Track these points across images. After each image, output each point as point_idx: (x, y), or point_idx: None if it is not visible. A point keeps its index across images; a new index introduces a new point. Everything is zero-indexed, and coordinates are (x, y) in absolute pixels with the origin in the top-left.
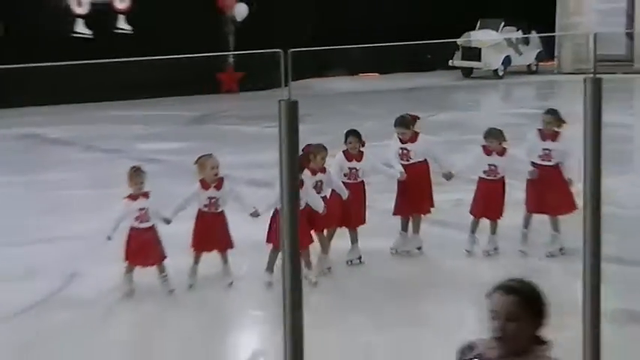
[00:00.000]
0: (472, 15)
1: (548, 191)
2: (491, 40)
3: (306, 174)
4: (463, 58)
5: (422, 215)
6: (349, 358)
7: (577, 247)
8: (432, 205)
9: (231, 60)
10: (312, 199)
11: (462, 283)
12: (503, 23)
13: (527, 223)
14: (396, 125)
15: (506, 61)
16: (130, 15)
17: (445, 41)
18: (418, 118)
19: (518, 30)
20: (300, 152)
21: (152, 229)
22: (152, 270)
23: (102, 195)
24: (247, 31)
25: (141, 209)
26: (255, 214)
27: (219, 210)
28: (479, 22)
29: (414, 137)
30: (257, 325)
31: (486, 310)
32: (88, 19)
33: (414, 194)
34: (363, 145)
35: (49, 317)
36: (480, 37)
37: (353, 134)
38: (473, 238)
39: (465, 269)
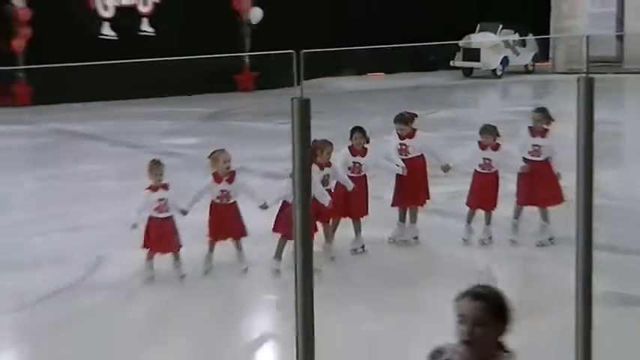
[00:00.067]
0: (472, 18)
1: (538, 184)
2: (490, 42)
3: (314, 169)
4: (464, 59)
5: (418, 207)
6: (354, 342)
7: (565, 237)
8: (428, 198)
9: (246, 60)
10: (318, 193)
11: (459, 270)
12: (501, 26)
13: (517, 214)
14: (395, 122)
15: (504, 61)
16: (152, 18)
17: (447, 43)
18: (416, 116)
19: (515, 32)
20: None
21: (170, 219)
22: (170, 257)
23: (126, 186)
24: (262, 33)
25: (160, 200)
26: (264, 207)
27: (231, 201)
28: (478, 25)
29: (412, 133)
30: (268, 309)
31: (455, 315)
32: (113, 22)
33: (412, 187)
34: (367, 142)
35: (77, 301)
36: (480, 39)
37: (358, 131)
38: (469, 228)
39: (462, 257)
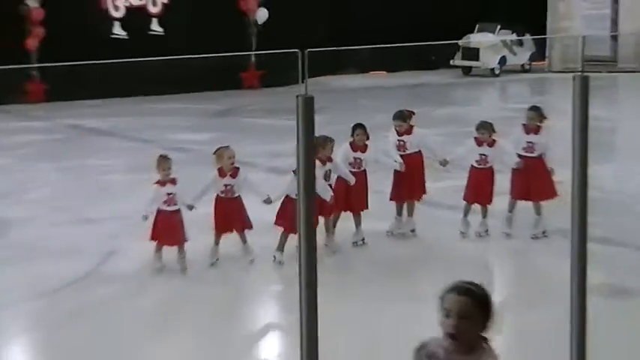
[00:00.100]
0: (471, 19)
1: (532, 180)
2: (488, 42)
3: (316, 164)
4: (463, 58)
5: (415, 201)
6: (355, 330)
7: (559, 229)
8: (425, 192)
9: (253, 59)
10: (321, 188)
11: (457, 262)
12: (499, 27)
13: (511, 208)
14: (394, 119)
15: (502, 60)
16: (161, 18)
17: (447, 42)
18: (414, 113)
19: (513, 33)
20: None
21: (178, 212)
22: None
23: (137, 180)
24: (268, 33)
25: (169, 194)
26: (267, 201)
27: (235, 195)
28: (477, 26)
29: (409, 130)
30: (273, 299)
31: (440, 310)
32: (124, 22)
33: (409, 182)
34: (367, 138)
35: (90, 291)
36: (479, 39)
37: (360, 127)
38: (466, 222)
39: (459, 249)
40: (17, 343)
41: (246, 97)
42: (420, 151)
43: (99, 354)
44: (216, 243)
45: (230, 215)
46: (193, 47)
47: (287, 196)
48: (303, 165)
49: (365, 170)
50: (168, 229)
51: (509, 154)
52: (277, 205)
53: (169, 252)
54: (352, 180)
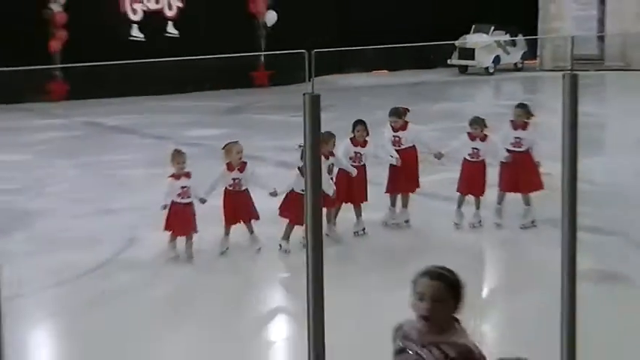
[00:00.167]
0: (467, 21)
1: (520, 173)
2: (483, 42)
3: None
4: (459, 58)
5: (409, 194)
6: (358, 314)
7: (546, 219)
8: (418, 186)
9: (262, 59)
10: (324, 182)
11: (451, 251)
12: (493, 28)
13: (500, 200)
14: (390, 115)
15: (496, 60)
16: (177, 21)
17: (444, 43)
18: (408, 110)
19: (506, 33)
20: None
21: (191, 205)
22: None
23: (153, 174)
24: (276, 34)
25: (183, 187)
26: (273, 194)
27: (243, 188)
28: (473, 27)
29: (404, 126)
30: (280, 285)
31: (413, 293)
32: (141, 24)
33: (404, 175)
34: (367, 134)
35: (109, 279)
36: (474, 39)
37: (360, 124)
38: (459, 213)
39: (454, 239)
40: (41, 327)
41: (256, 95)
42: (414, 146)
43: (118, 338)
44: (226, 233)
45: (238, 207)
46: (206, 48)
47: (292, 191)
48: (309, 158)
49: (364, 165)
50: (181, 220)
51: (500, 148)
52: (281, 197)
53: (183, 242)
54: (354, 172)
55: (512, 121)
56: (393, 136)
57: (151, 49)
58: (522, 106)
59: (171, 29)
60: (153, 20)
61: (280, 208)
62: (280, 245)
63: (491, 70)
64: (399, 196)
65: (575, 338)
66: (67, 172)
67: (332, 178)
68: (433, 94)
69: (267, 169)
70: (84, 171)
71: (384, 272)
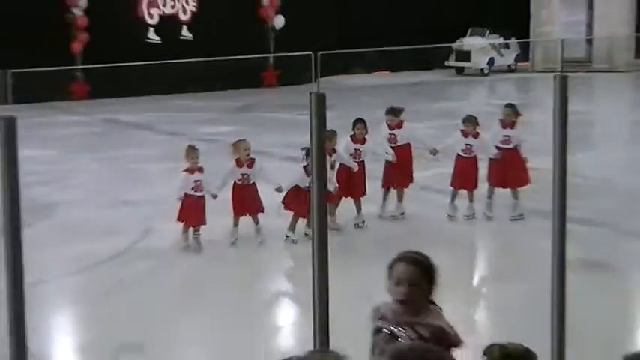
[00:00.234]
0: (463, 25)
1: (508, 169)
2: (478, 45)
3: None
4: (456, 59)
5: (404, 188)
6: (359, 300)
7: (533, 211)
8: (412, 181)
9: (271, 61)
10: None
11: (445, 241)
12: (488, 31)
13: (490, 194)
14: (386, 114)
15: (491, 61)
16: (191, 25)
17: (442, 45)
18: (404, 110)
19: (500, 37)
20: None
21: (203, 198)
22: (204, 229)
23: (168, 168)
24: (284, 37)
25: (196, 181)
26: (279, 190)
27: (251, 183)
28: (469, 31)
29: (400, 124)
30: (286, 272)
31: (389, 278)
32: (157, 28)
33: (399, 171)
34: (367, 132)
35: (126, 267)
36: (470, 42)
37: (360, 122)
38: (453, 206)
39: (449, 230)
40: (62, 313)
41: (265, 94)
42: (409, 143)
43: (134, 322)
44: (235, 225)
45: (245, 200)
46: (219, 50)
47: (296, 186)
48: (315, 152)
49: (363, 161)
50: (194, 212)
51: (490, 145)
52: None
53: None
54: (356, 167)
55: (501, 120)
56: (389, 133)
57: (167, 51)
58: (510, 106)
59: (186, 32)
60: (168, 24)
61: (285, 201)
62: (287, 236)
63: (486, 71)
64: (395, 191)
65: (564, 325)
66: (88, 166)
67: (333, 175)
68: (431, 94)
69: (275, 163)
70: (103, 165)
71: (383, 261)
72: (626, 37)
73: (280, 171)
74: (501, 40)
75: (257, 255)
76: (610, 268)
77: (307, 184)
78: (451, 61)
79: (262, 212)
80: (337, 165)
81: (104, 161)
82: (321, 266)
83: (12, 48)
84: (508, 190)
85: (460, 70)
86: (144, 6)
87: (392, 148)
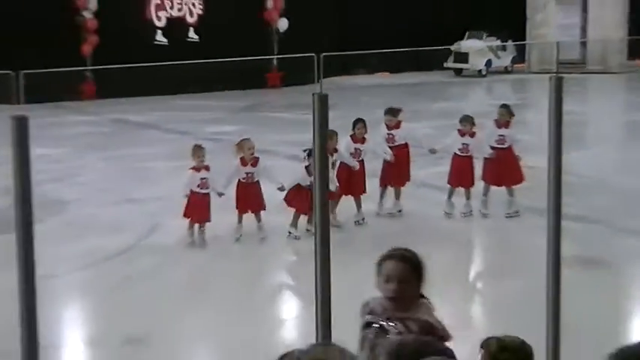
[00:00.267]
0: (462, 27)
1: (503, 168)
2: (476, 47)
3: None
4: (455, 61)
5: (401, 187)
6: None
7: (528, 208)
8: (409, 179)
9: (275, 62)
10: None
11: (443, 238)
12: (485, 34)
13: (485, 192)
14: (385, 114)
15: (488, 63)
16: (197, 27)
17: (441, 47)
18: (402, 110)
19: (497, 39)
20: None
21: (208, 195)
22: (209, 225)
23: (174, 166)
24: (288, 39)
25: (202, 179)
26: (281, 189)
27: (255, 181)
28: (467, 33)
29: (397, 124)
30: (289, 267)
31: (379, 275)
32: (165, 30)
33: (396, 170)
34: (366, 132)
35: (134, 262)
36: (468, 44)
37: (360, 122)
38: (450, 203)
39: (447, 227)
40: (71, 307)
41: (269, 94)
42: (406, 143)
43: (141, 316)
44: (240, 221)
45: (249, 197)
46: (224, 52)
47: (298, 184)
48: (318, 151)
49: (363, 160)
50: (199, 209)
51: (484, 145)
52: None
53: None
54: (356, 165)
55: (495, 120)
56: (387, 133)
57: (174, 53)
58: (505, 107)
59: (192, 34)
60: (175, 26)
61: (287, 199)
62: (290, 232)
63: (483, 73)
64: (392, 189)
65: (559, 320)
66: (97, 164)
67: (334, 173)
68: (431, 94)
69: (279, 162)
70: (112, 163)
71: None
72: (620, 39)
73: (284, 169)
74: (498, 43)
75: (261, 251)
76: (605, 265)
77: (308, 183)
78: (450, 63)
79: (264, 210)
80: (338, 164)
81: (113, 159)
82: (323, 262)
83: (24, 49)
84: (503, 188)
85: (458, 72)
86: (152, 9)
87: (390, 147)
